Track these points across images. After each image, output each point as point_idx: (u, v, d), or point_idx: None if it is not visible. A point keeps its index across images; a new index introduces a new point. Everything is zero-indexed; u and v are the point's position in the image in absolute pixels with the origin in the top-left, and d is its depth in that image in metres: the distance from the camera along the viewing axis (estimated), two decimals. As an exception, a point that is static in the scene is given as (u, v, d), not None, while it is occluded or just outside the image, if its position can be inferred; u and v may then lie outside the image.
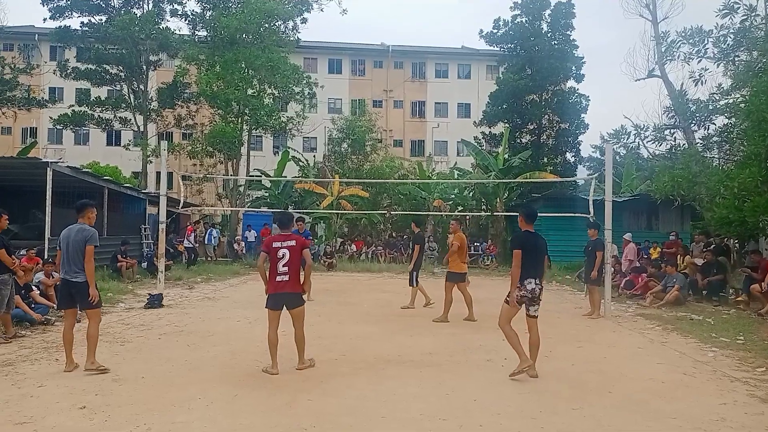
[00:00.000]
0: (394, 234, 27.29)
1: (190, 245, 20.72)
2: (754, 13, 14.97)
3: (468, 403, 5.22)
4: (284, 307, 6.23)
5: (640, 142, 19.57)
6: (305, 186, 25.66)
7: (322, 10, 27.32)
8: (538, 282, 6.20)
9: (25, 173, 15.85)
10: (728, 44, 15.49)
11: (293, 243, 6.21)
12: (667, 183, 15.35)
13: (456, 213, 26.68)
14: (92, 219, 6.44)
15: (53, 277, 10.05)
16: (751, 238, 16.02)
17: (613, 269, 12.92)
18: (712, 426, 4.67)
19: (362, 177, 26.75)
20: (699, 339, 8.48)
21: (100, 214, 17.53)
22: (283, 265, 6.13)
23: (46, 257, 11.58)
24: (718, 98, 16.42)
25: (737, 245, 17.15)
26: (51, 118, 29.44)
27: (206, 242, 23.68)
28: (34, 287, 9.42)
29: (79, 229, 6.22)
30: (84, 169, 17.00)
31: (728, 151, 17.16)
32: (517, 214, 6.73)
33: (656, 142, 18.67)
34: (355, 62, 42.62)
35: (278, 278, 6.15)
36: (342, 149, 30.30)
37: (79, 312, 6.47)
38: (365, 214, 25.13)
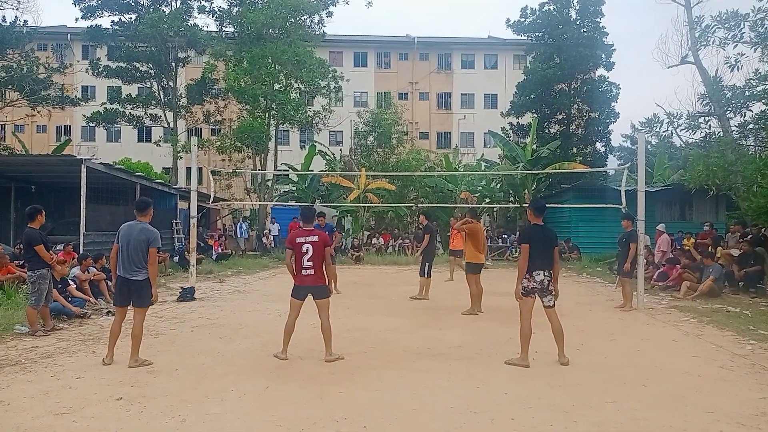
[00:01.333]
0: (421, 227, 27.23)
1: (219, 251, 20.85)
2: (793, -5, 14.47)
3: (499, 396, 5.19)
4: (312, 296, 6.47)
5: (674, 131, 19.13)
6: (332, 179, 25.77)
7: (347, 3, 27.31)
8: (546, 273, 6.36)
9: (60, 170, 16.26)
10: (766, 28, 15.00)
11: (316, 238, 6.40)
12: (702, 172, 14.99)
13: (483, 205, 26.55)
14: (151, 217, 6.62)
15: (89, 272, 10.30)
16: (790, 228, 15.55)
17: (645, 261, 12.68)
18: (752, 421, 4.55)
19: (388, 170, 26.72)
20: (736, 331, 8.27)
21: (132, 210, 17.96)
22: (308, 260, 6.36)
23: (81, 252, 11.86)
24: (755, 84, 15.92)
25: (775, 235, 16.66)
26: (84, 116, 30.12)
27: (238, 236, 23.99)
28: (70, 281, 9.65)
29: (142, 229, 6.32)
30: (116, 166, 17.38)
31: (766, 139, 16.65)
32: (528, 204, 7.00)
33: (690, 131, 18.21)
34: (381, 55, 42.53)
35: (303, 272, 6.39)
36: (368, 142, 30.31)
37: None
38: (392, 207, 25.12)
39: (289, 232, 24.34)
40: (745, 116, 17.04)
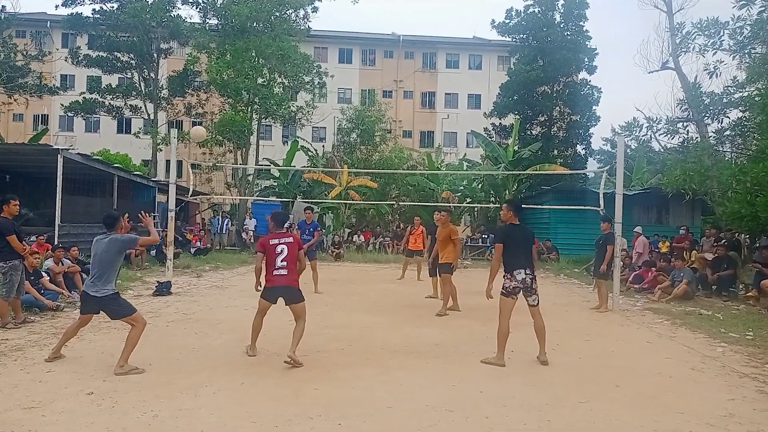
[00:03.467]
0: (402, 225, 27.26)
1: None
2: (771, 5, 14.74)
3: (474, 394, 5.22)
4: (284, 301, 6.25)
5: (653, 135, 19.37)
6: (314, 176, 25.66)
7: (333, -2, 27.20)
8: (528, 272, 6.36)
9: (37, 160, 15.98)
10: (744, 36, 15.27)
11: (290, 240, 6.28)
12: (679, 177, 15.21)
13: (464, 204, 26.65)
14: (124, 230, 6.34)
15: (62, 264, 10.13)
16: (763, 233, 15.86)
17: (622, 263, 12.84)
18: (720, 421, 4.64)
19: (371, 167, 26.71)
20: (708, 334, 8.42)
21: (109, 202, 17.71)
22: (282, 260, 6.15)
23: (56, 243, 11.67)
24: (732, 91, 16.21)
25: (748, 240, 16.99)
26: (62, 105, 29.61)
27: (222, 232, 23.79)
28: (43, 273, 9.48)
29: (111, 240, 5.97)
30: (94, 157, 17.11)
31: (741, 145, 16.97)
32: (505, 202, 6.90)
33: (669, 135, 18.46)
34: (366, 52, 42.46)
35: (275, 272, 6.16)
36: (351, 139, 30.26)
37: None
38: (374, 204, 25.11)
39: (268, 229, 24.31)
40: (722, 123, 17.35)
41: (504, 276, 6.47)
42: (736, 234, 15.36)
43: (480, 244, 23.95)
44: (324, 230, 25.11)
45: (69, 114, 29.76)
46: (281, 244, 6.19)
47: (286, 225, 6.62)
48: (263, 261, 6.22)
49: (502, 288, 6.42)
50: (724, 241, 14.05)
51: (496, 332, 6.41)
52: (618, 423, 4.58)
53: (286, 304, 6.27)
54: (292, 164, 27.32)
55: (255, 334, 6.47)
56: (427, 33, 48.04)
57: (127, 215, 7.15)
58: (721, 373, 6.21)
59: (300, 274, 6.43)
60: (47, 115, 38.21)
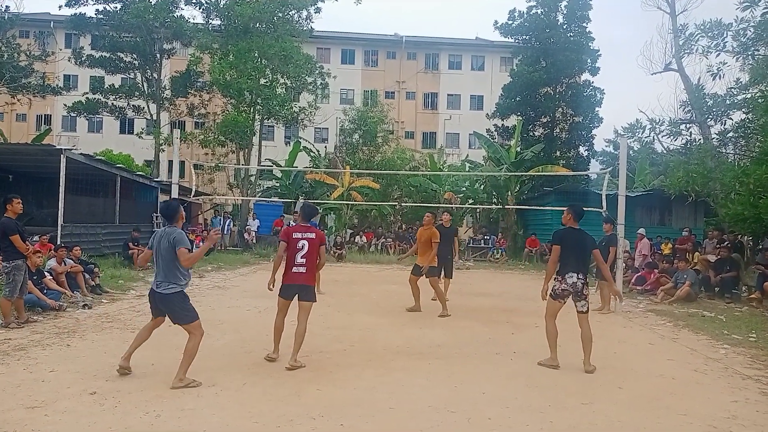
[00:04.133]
0: (404, 226, 27.27)
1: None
2: (775, 7, 14.70)
3: (476, 395, 5.21)
4: (297, 297, 6.17)
5: (655, 137, 19.34)
6: (316, 176, 25.67)
7: (336, -1, 27.23)
8: (580, 277, 6.32)
9: (40, 160, 15.99)
10: (748, 38, 15.22)
11: (313, 236, 6.14)
12: (682, 178, 15.19)
13: (467, 205, 26.64)
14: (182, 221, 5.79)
15: (65, 264, 10.15)
16: (766, 235, 15.82)
17: (624, 265, 12.82)
18: (723, 423, 4.63)
19: (373, 168, 26.71)
20: (710, 336, 8.40)
21: (112, 202, 17.75)
22: (302, 257, 6.06)
23: (58, 243, 11.69)
24: (735, 93, 16.17)
25: (751, 242, 16.95)
26: (65, 105, 29.70)
27: (224, 232, 23.82)
28: (46, 273, 9.50)
29: (166, 233, 5.48)
30: (97, 157, 17.13)
31: (744, 147, 16.92)
32: (565, 209, 6.76)
33: (671, 137, 18.44)
34: (368, 53, 42.48)
35: (294, 269, 6.08)
36: (353, 140, 30.27)
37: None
38: (375, 205, 25.12)
39: (272, 229, 24.27)
40: (725, 124, 17.31)
41: (555, 278, 6.47)
42: (739, 236, 15.32)
43: (482, 245, 23.94)
44: (326, 231, 25.16)
45: (72, 114, 29.88)
46: (303, 239, 6.08)
47: (313, 220, 6.47)
48: (285, 251, 6.12)
49: (552, 290, 6.42)
50: (726, 243, 14.02)
51: (546, 334, 6.48)
52: (620, 425, 4.57)
53: (297, 299, 6.17)
54: (294, 165, 27.35)
55: (278, 335, 6.25)
56: (429, 34, 48.11)
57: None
58: (724, 375, 6.19)
59: (320, 270, 6.40)
60: (50, 115, 38.31)
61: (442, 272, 10.64)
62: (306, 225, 6.30)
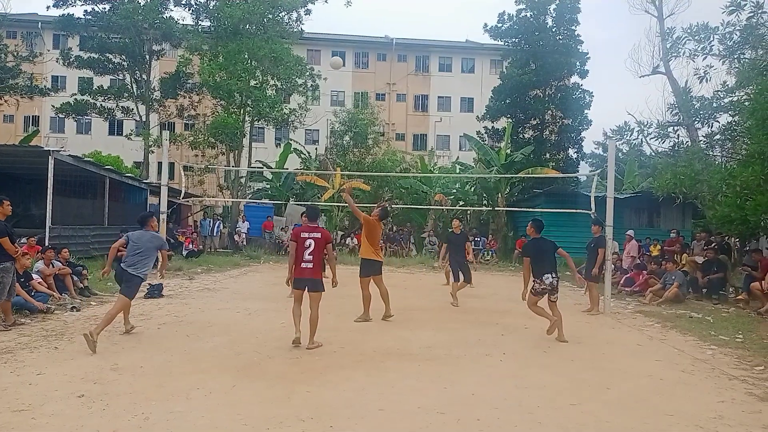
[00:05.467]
0: (394, 228, 27.29)
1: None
2: (760, 11, 14.82)
3: (466, 396, 5.23)
4: (306, 288, 7.00)
5: (643, 139, 19.47)
6: (307, 178, 25.64)
7: (326, 1, 27.20)
8: (554, 275, 7.80)
9: (27, 161, 15.86)
10: (734, 41, 15.37)
11: (319, 235, 6.98)
12: (670, 180, 15.29)
13: (457, 207, 26.71)
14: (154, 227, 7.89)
15: (53, 266, 10.06)
16: (752, 236, 15.98)
17: (613, 266, 12.91)
18: (710, 424, 4.67)
19: (364, 170, 26.70)
20: (698, 337, 8.48)
21: (100, 204, 17.61)
22: (309, 254, 6.90)
23: (46, 245, 11.58)
24: (722, 96, 16.31)
25: (738, 244, 17.11)
26: (53, 106, 29.44)
27: (213, 234, 23.71)
28: (34, 275, 9.41)
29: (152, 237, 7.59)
30: (85, 158, 17.01)
31: (731, 149, 17.07)
32: (530, 221, 8.21)
33: (659, 140, 18.55)
34: (359, 55, 42.52)
35: (303, 264, 6.93)
36: (344, 142, 30.24)
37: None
38: (366, 207, 25.10)
39: (261, 231, 24.18)
40: (712, 127, 17.45)
41: (533, 280, 7.77)
42: (726, 237, 15.47)
43: (473, 247, 23.96)
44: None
45: (60, 115, 29.59)
46: (310, 238, 6.93)
47: (317, 220, 7.37)
48: (296, 250, 6.97)
49: (532, 289, 7.80)
50: (714, 244, 14.16)
51: (536, 315, 8.03)
52: (608, 425, 4.60)
53: (307, 291, 7.02)
54: (284, 167, 27.30)
55: (297, 318, 7.03)
56: (420, 36, 48.11)
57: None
58: (711, 376, 6.25)
59: (331, 265, 7.37)
60: (38, 116, 38.00)
61: (461, 276, 11.11)
62: (313, 225, 7.13)
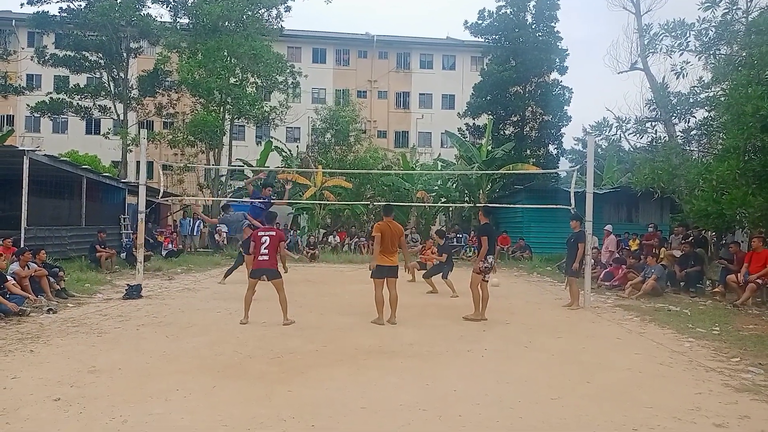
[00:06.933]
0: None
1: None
2: (735, 7, 15.07)
3: (448, 393, 5.23)
4: (265, 278, 8.43)
5: (622, 135, 19.64)
6: (288, 176, 25.49)
7: (306, -2, 27.07)
8: (493, 258, 9.22)
9: (2, 162, 15.53)
10: (709, 37, 15.57)
11: (273, 233, 8.64)
12: (648, 175, 15.48)
13: (439, 204, 26.78)
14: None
15: (29, 268, 9.88)
16: (729, 230, 16.23)
17: (593, 260, 13.03)
18: (688, 415, 4.73)
19: (346, 168, 26.64)
20: (676, 330, 8.59)
21: (78, 204, 17.35)
22: (265, 248, 8.42)
23: (22, 246, 11.37)
24: (698, 91, 16.52)
25: (714, 237, 17.37)
26: (28, 105, 28.90)
27: (193, 233, 23.46)
28: (9, 277, 9.23)
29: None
30: (62, 158, 16.73)
31: (707, 144, 17.34)
32: (480, 208, 9.95)
33: (637, 135, 18.74)
34: (340, 52, 42.36)
35: (260, 257, 8.45)
36: (325, 140, 30.14)
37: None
38: (348, 205, 25.07)
39: (243, 230, 23.93)
40: (689, 122, 17.70)
41: (479, 260, 9.05)
42: (703, 231, 15.70)
43: (455, 243, 24.05)
44: (299, 231, 25.05)
45: (36, 114, 29.02)
46: (266, 236, 8.51)
47: (275, 222, 9.16)
48: (255, 247, 8.53)
49: (477, 268, 9.02)
50: (691, 238, 14.35)
51: (472, 298, 9.11)
52: (588, 418, 4.64)
53: (267, 280, 8.42)
54: (266, 165, 27.11)
55: (247, 306, 8.47)
56: (401, 33, 48.13)
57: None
58: (689, 368, 6.34)
59: (282, 261, 9.06)
60: (13, 115, 37.27)
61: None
62: (269, 227, 8.86)
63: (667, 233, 18.54)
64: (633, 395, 5.25)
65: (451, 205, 26.71)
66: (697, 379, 5.88)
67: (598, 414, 4.73)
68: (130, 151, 27.73)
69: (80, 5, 26.31)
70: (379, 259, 8.63)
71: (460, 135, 28.74)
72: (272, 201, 13.60)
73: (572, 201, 11.37)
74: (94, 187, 18.53)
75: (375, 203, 26.32)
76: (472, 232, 25.11)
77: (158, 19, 26.51)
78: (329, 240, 24.57)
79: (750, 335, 8.14)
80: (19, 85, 28.64)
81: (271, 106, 26.07)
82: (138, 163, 14.25)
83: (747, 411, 4.86)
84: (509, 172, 23.22)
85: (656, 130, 18.58)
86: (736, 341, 7.73)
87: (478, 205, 23.67)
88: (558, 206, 13.16)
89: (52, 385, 5.20)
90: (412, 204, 24.97)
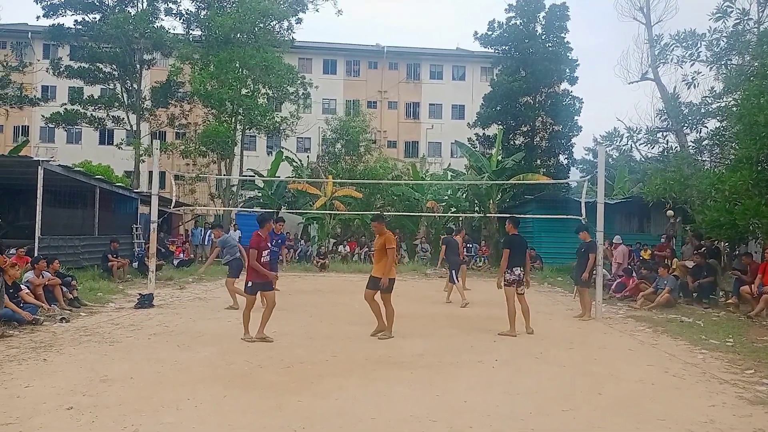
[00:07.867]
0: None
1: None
2: (746, 17, 15.02)
3: (458, 404, 5.22)
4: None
5: (633, 145, 19.57)
6: (298, 186, 25.59)
7: (317, 10, 27.33)
8: (521, 270, 8.89)
9: (17, 172, 15.74)
10: (721, 48, 15.52)
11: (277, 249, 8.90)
12: (659, 186, 15.37)
13: (449, 214, 26.74)
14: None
15: (43, 277, 9.98)
16: (742, 241, 16.07)
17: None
18: (701, 428, 4.68)
19: (356, 178, 26.69)
20: (689, 341, 8.51)
21: (90, 214, 17.51)
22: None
23: (36, 255, 11.48)
24: (710, 101, 16.45)
25: (727, 248, 17.21)
26: (43, 116, 29.29)
27: (204, 243, 23.59)
28: (23, 286, 9.33)
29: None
30: (76, 168, 16.92)
31: (719, 155, 17.21)
32: (507, 218, 9.45)
33: (649, 145, 18.66)
34: (350, 63, 42.62)
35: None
36: (336, 150, 30.23)
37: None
38: (358, 214, 25.06)
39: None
40: (700, 132, 17.59)
41: (506, 272, 8.79)
42: (716, 242, 15.56)
43: (466, 254, 23.97)
44: (309, 241, 25.12)
45: (50, 125, 29.45)
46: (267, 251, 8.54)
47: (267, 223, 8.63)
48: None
49: (505, 280, 8.81)
50: (704, 249, 14.22)
51: (507, 312, 8.70)
52: (600, 430, 4.61)
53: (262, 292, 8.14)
54: (276, 175, 27.25)
55: (246, 320, 8.11)
56: (411, 44, 48.25)
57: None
58: (702, 380, 6.27)
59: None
60: (28, 126, 37.77)
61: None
62: (267, 238, 8.52)
63: (679, 244, 18.39)
64: (645, 407, 5.21)
65: (461, 215, 26.65)
66: (710, 391, 5.82)
67: (610, 426, 4.70)
68: (143, 161, 27.94)
69: (95, 18, 26.74)
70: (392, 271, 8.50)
71: (470, 145, 28.73)
72: (286, 237, 13.85)
73: (583, 211, 11.32)
74: (106, 197, 18.70)
75: (385, 213, 26.33)
76: (483, 242, 25.06)
77: (171, 31, 26.89)
78: (339, 250, 24.58)
79: (764, 347, 8.05)
80: (35, 96, 29.06)
81: (282, 117, 26.24)
82: (150, 173, 14.35)
83: (762, 424, 4.80)
84: (520, 182, 23.15)
85: (667, 140, 18.51)
86: (750, 353, 7.64)
87: (503, 215, 23.69)
88: (569, 216, 13.10)
89: (64, 394, 5.24)
90: (422, 214, 24.95)
